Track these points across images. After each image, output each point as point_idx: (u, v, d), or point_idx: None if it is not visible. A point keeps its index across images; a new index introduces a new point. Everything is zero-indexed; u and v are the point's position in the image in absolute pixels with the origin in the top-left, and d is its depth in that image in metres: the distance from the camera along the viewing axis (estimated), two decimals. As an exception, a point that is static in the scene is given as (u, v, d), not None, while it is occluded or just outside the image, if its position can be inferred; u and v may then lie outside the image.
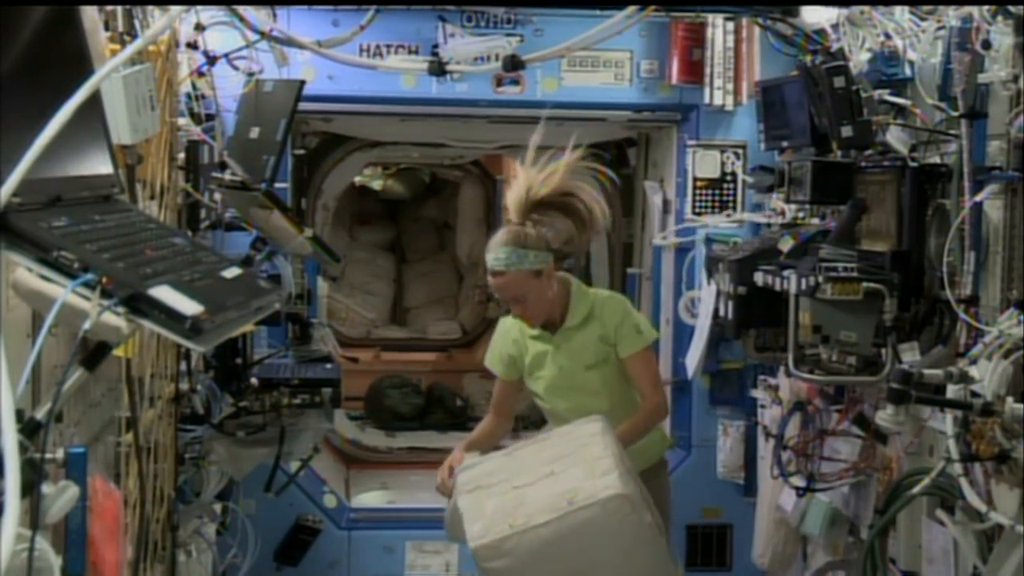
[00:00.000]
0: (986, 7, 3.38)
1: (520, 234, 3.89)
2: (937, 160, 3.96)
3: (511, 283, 3.90)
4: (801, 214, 4.99)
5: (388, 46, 5.32)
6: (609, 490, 3.45)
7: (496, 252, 3.88)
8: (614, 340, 4.01)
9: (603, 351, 4.03)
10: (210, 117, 4.36)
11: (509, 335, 4.16)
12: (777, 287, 4.28)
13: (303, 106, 4.29)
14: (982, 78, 3.52)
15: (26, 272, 1.76)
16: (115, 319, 1.66)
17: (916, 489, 3.63)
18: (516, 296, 3.94)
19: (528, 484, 3.61)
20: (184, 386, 4.05)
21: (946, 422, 3.37)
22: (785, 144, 4.90)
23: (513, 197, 3.96)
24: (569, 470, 3.57)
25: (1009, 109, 3.41)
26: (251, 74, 4.33)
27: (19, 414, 1.55)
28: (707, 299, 5.22)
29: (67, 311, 1.64)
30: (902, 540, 3.99)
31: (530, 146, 3.97)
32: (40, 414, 1.67)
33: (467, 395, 8.19)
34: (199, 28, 4.10)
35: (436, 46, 5.09)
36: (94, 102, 2.15)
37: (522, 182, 3.93)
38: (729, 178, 5.63)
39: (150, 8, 3.27)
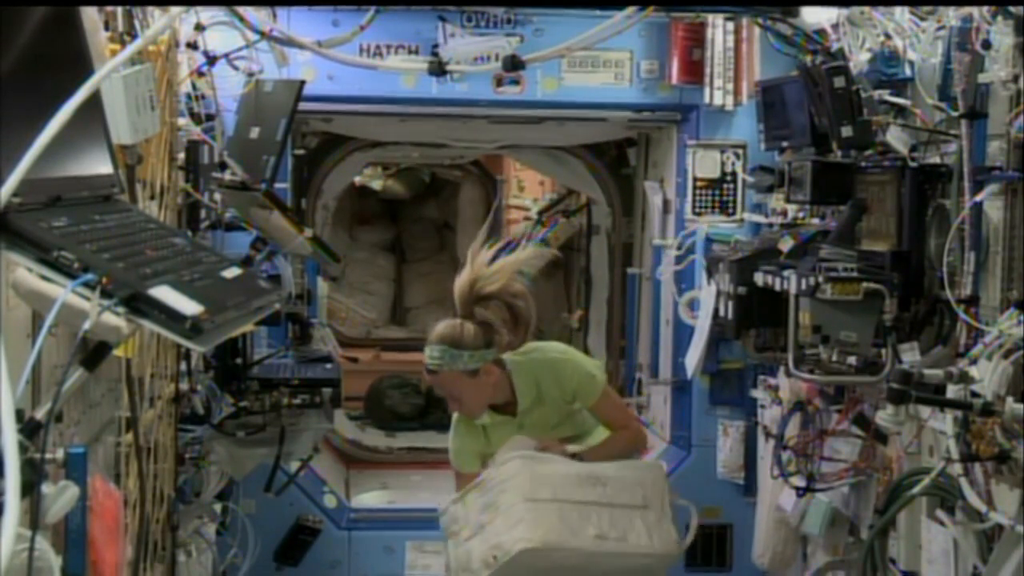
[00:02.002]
0: (986, 7, 3.38)
1: (456, 331, 3.79)
2: (937, 160, 3.96)
3: (445, 382, 3.85)
4: (801, 214, 4.99)
5: (388, 46, 5.31)
6: (519, 544, 3.58)
7: (431, 350, 3.82)
8: (573, 396, 3.96)
9: (566, 409, 4.00)
10: (210, 117, 4.36)
11: (471, 428, 4.05)
12: (777, 287, 4.28)
13: (303, 106, 4.28)
14: (982, 78, 3.52)
15: (26, 272, 1.76)
16: (115, 319, 1.66)
17: (916, 489, 3.63)
18: (451, 395, 3.90)
19: (468, 538, 3.74)
20: (184, 386, 4.05)
21: (946, 422, 3.36)
22: (785, 144, 4.90)
23: (458, 288, 3.85)
24: (495, 521, 3.69)
25: (1009, 109, 3.41)
26: (251, 74, 4.33)
27: (19, 414, 1.55)
28: (707, 299, 5.22)
29: (67, 311, 1.64)
30: (902, 540, 3.98)
31: (479, 238, 3.92)
32: (40, 414, 1.67)
33: (467, 395, 8.17)
34: (199, 28, 4.10)
35: (436, 46, 5.08)
36: (94, 102, 2.15)
37: (467, 275, 3.83)
38: (729, 178, 5.63)
39: (150, 8, 3.26)
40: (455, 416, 4.10)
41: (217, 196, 4.39)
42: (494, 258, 3.88)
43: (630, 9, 3.60)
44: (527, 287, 3.96)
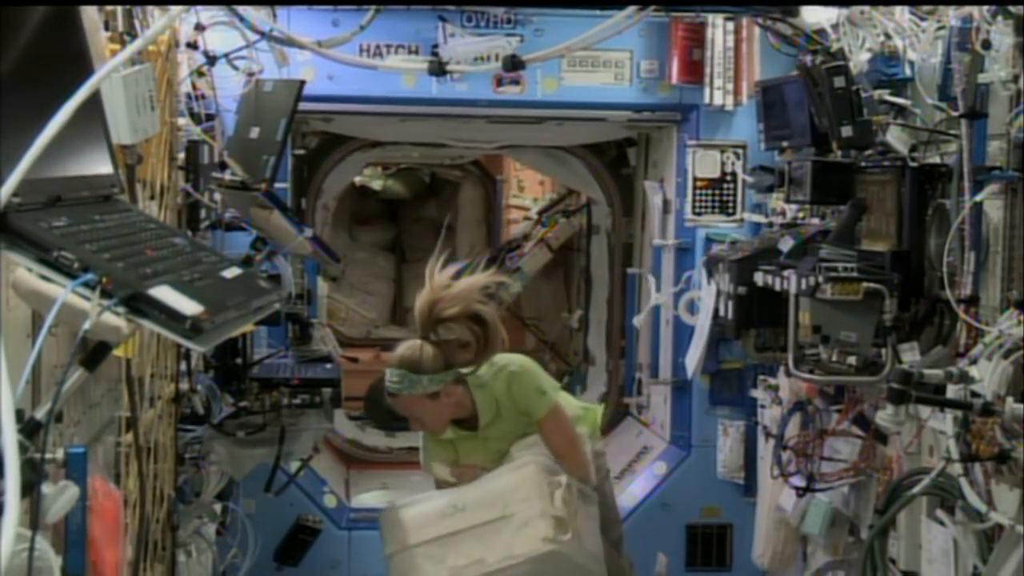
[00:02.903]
0: (986, 7, 3.38)
1: (416, 355, 3.80)
2: (937, 160, 3.96)
3: (405, 405, 3.89)
4: (801, 214, 4.99)
5: (388, 46, 5.32)
6: None
7: (390, 373, 3.84)
8: (524, 409, 3.95)
9: (525, 421, 3.99)
10: (210, 117, 4.36)
11: (440, 440, 4.06)
12: (777, 287, 4.28)
13: (303, 106, 4.28)
14: (982, 78, 3.52)
15: (26, 272, 1.76)
16: (115, 319, 1.66)
17: (916, 489, 3.63)
18: (411, 416, 3.93)
19: None
20: (184, 386, 4.05)
21: (946, 422, 3.36)
22: (785, 144, 4.90)
23: (418, 310, 3.83)
24: None
25: (1009, 109, 3.41)
26: (251, 74, 4.32)
27: (19, 414, 1.55)
28: (707, 299, 5.23)
29: (67, 311, 1.64)
30: (902, 540, 3.99)
31: (434, 257, 3.82)
32: (40, 414, 1.67)
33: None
34: (199, 28, 4.10)
35: (436, 46, 5.09)
36: (94, 102, 2.15)
37: (427, 295, 3.79)
38: (729, 178, 5.63)
39: (150, 8, 3.27)
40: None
41: (217, 196, 4.39)
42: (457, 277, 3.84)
43: (630, 9, 3.59)
44: (494, 308, 3.94)
